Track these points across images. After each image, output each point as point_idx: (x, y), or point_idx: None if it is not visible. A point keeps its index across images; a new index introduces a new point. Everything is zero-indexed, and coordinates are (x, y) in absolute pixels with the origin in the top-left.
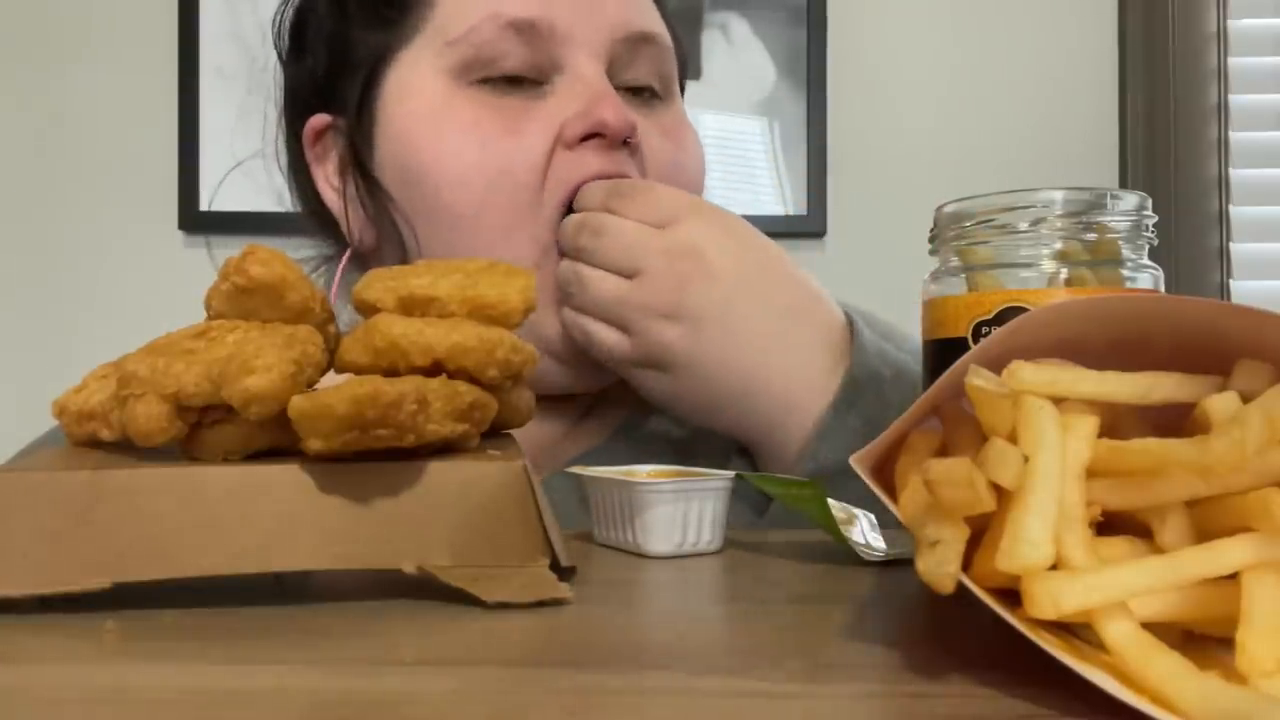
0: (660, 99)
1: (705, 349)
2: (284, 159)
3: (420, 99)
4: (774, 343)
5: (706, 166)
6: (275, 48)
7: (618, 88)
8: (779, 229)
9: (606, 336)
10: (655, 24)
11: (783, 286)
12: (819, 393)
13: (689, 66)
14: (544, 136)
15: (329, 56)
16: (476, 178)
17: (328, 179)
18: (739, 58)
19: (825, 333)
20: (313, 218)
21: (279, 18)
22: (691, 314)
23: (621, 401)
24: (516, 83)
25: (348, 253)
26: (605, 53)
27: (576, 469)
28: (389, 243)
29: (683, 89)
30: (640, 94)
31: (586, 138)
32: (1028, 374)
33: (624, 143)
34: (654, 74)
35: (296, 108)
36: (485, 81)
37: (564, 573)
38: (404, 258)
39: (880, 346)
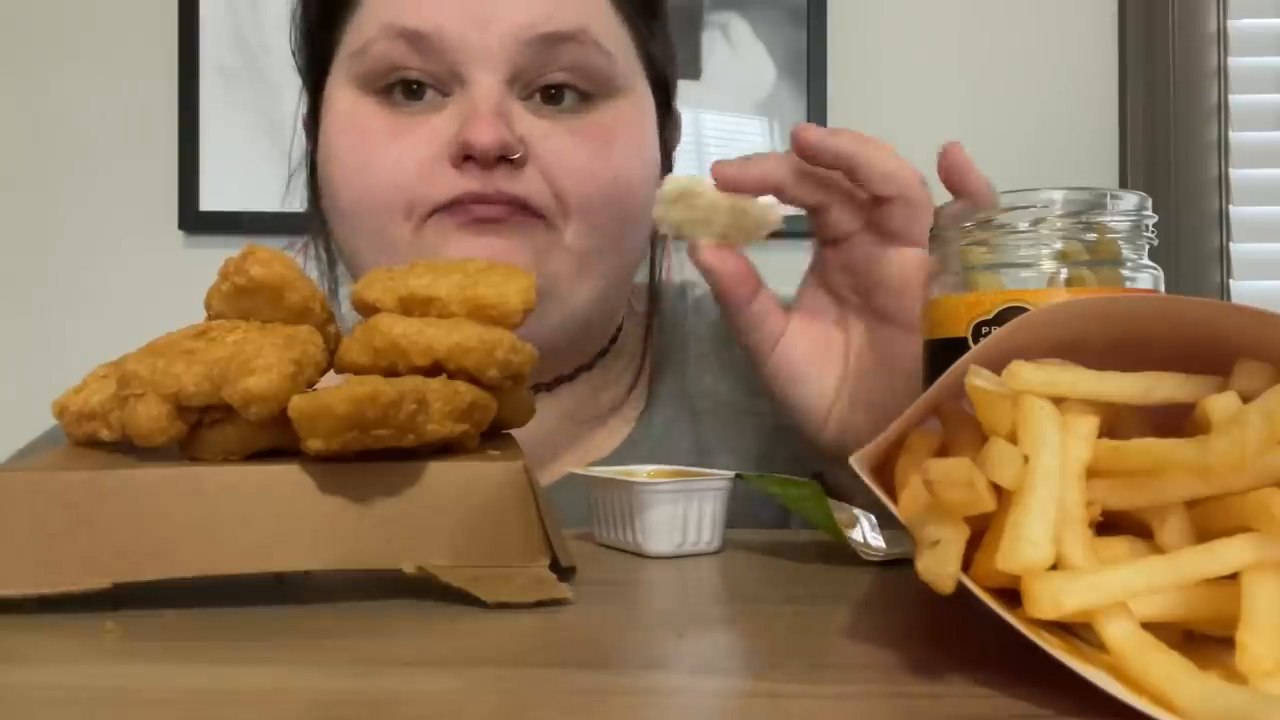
0: (593, 97)
1: None
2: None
3: (333, 108)
4: None
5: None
6: (296, 66)
7: (532, 94)
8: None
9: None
10: (576, 20)
11: None
12: None
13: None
14: (422, 149)
15: (305, 69)
16: (354, 182)
17: None
18: (739, 58)
19: None
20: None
21: (293, 33)
22: None
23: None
24: (419, 94)
25: (304, 243)
26: (506, 62)
27: (575, 470)
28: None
29: (667, 83)
30: (557, 98)
31: (467, 157)
32: (1028, 374)
33: (509, 160)
34: (576, 74)
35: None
36: (385, 92)
37: (564, 573)
38: (332, 256)
39: None
